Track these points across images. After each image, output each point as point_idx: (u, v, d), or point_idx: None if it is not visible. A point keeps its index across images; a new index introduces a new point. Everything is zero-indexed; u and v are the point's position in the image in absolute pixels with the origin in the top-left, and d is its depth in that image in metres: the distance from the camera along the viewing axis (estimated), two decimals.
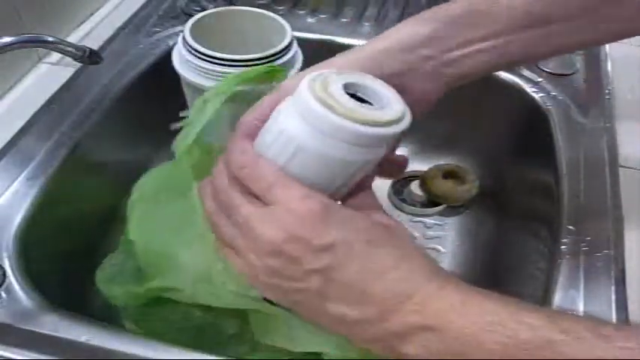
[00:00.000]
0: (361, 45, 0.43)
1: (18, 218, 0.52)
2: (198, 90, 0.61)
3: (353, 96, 0.36)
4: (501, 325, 0.31)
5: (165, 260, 0.47)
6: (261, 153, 0.37)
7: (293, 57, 0.61)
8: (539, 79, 0.71)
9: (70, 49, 0.50)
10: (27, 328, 0.44)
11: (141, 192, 0.50)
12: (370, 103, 0.37)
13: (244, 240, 0.36)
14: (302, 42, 0.63)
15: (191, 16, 0.63)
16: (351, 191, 0.39)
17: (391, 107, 0.36)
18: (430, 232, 0.74)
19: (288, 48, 0.60)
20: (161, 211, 0.49)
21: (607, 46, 0.76)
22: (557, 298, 0.47)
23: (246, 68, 0.49)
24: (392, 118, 0.35)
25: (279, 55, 0.59)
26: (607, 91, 0.69)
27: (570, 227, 0.53)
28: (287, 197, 0.35)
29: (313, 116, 0.35)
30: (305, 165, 0.36)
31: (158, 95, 0.70)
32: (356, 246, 0.34)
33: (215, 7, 0.68)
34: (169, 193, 0.49)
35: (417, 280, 0.34)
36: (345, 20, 0.82)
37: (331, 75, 0.36)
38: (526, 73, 0.72)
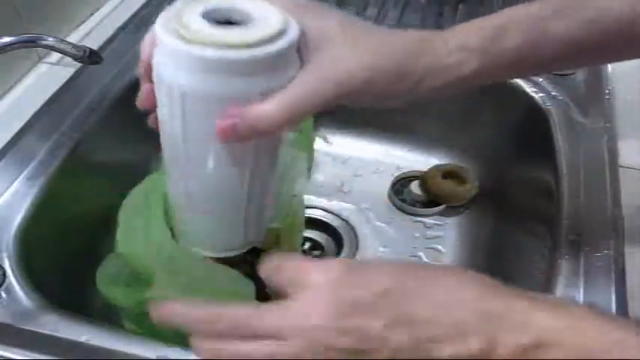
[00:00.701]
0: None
1: (18, 218, 0.52)
2: None
3: (220, 23, 0.32)
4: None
5: (153, 272, 0.47)
6: (162, 119, 0.35)
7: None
8: (539, 79, 0.71)
9: (70, 49, 0.50)
10: (27, 328, 0.44)
11: (126, 203, 0.50)
12: (243, 25, 0.33)
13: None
14: None
15: None
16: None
17: (264, 24, 0.32)
18: (430, 232, 0.74)
19: None
20: (145, 223, 0.49)
21: None
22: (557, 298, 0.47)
23: None
24: (263, 36, 0.31)
25: None
26: (607, 91, 0.69)
27: (570, 227, 0.53)
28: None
29: (169, 52, 0.31)
30: (201, 113, 0.33)
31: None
32: (409, 283, 0.32)
33: None
34: (154, 203, 0.49)
35: (494, 297, 0.32)
36: None
37: (188, 5, 0.33)
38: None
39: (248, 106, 0.32)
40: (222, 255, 0.45)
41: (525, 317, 0.30)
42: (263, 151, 0.37)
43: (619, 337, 0.30)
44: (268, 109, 0.32)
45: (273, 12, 0.33)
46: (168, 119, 0.35)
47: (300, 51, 0.34)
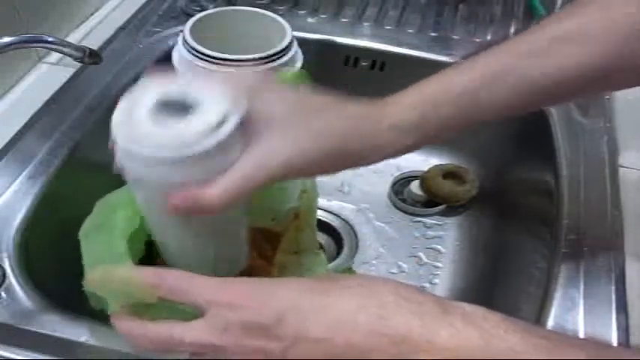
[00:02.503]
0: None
1: (18, 218, 0.52)
2: None
3: (172, 107, 0.35)
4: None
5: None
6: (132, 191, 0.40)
7: (293, 57, 0.61)
8: None
9: (70, 49, 0.51)
10: (27, 328, 0.44)
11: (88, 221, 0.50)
12: (190, 110, 0.36)
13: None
14: (302, 42, 0.63)
15: (191, 16, 0.63)
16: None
17: (207, 114, 0.35)
18: (430, 232, 0.74)
19: (288, 48, 0.60)
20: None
21: None
22: (557, 298, 0.47)
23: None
24: (202, 129, 0.34)
25: (279, 55, 0.59)
26: None
27: (570, 227, 0.53)
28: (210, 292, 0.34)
29: (120, 146, 0.36)
30: (153, 194, 0.37)
31: None
32: (305, 305, 0.33)
33: (215, 7, 0.68)
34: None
35: (394, 316, 0.32)
36: (345, 20, 0.82)
37: (145, 93, 0.36)
38: None
39: (192, 191, 0.35)
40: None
41: (427, 337, 0.31)
42: (218, 219, 0.40)
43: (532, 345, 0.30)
44: (210, 193, 0.35)
45: (220, 99, 0.36)
46: (134, 193, 0.40)
47: (246, 132, 0.36)
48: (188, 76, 0.38)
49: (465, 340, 0.30)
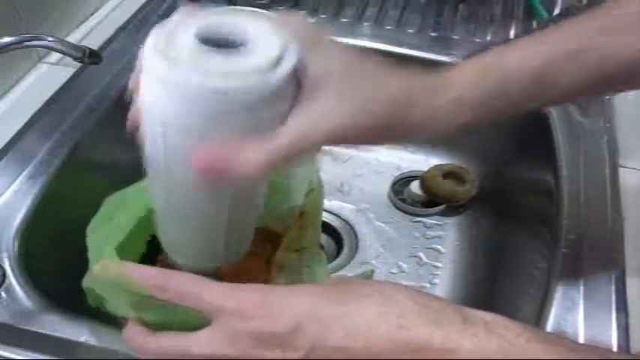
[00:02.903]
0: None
1: (18, 218, 0.52)
2: None
3: (215, 43, 0.30)
4: None
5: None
6: (145, 139, 0.34)
7: None
8: None
9: (70, 49, 0.50)
10: (27, 328, 0.44)
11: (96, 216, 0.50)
12: (238, 47, 0.30)
13: None
14: None
15: None
16: None
17: (261, 50, 0.30)
18: (430, 232, 0.74)
19: None
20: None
21: None
22: (557, 298, 0.47)
23: None
24: (255, 64, 0.29)
25: None
26: None
27: (570, 227, 0.53)
28: (222, 300, 0.32)
29: (153, 73, 0.29)
30: (181, 145, 0.31)
31: None
32: (323, 312, 0.31)
33: (215, 7, 0.68)
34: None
35: (415, 326, 0.31)
36: (345, 20, 0.82)
37: (182, 23, 0.31)
38: None
39: (229, 152, 0.31)
40: (197, 267, 0.44)
41: (448, 347, 0.30)
42: (244, 187, 0.37)
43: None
44: (251, 158, 0.31)
45: (275, 36, 0.31)
46: (151, 143, 0.34)
47: (296, 84, 0.33)
48: (232, 13, 0.31)
49: (486, 350, 0.30)
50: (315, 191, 0.53)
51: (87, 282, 0.41)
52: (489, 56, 0.38)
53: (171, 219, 0.42)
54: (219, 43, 0.31)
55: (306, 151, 0.33)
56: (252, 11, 0.32)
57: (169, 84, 0.29)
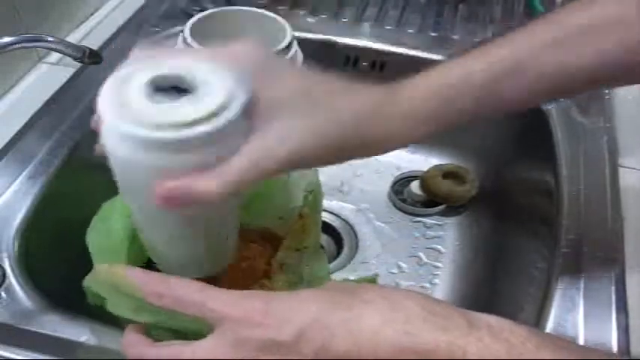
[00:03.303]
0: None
1: (18, 218, 0.52)
2: None
3: (165, 90, 0.32)
4: None
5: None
6: (115, 177, 0.36)
7: (293, 57, 0.61)
8: None
9: (70, 49, 0.50)
10: (27, 328, 0.44)
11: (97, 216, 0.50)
12: (187, 94, 0.32)
13: None
14: (302, 42, 0.63)
15: (191, 16, 0.63)
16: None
17: (208, 96, 0.31)
18: (430, 232, 0.74)
19: (288, 48, 0.60)
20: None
21: None
22: (557, 298, 0.47)
23: None
24: (201, 113, 0.30)
25: (279, 55, 0.59)
26: (607, 91, 0.69)
27: (570, 227, 0.53)
28: (227, 309, 0.32)
29: (108, 126, 0.32)
30: (143, 182, 0.33)
31: None
32: (327, 319, 0.31)
33: (215, 7, 0.68)
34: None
35: (421, 332, 0.31)
36: (345, 20, 0.82)
37: (135, 70, 0.33)
38: None
39: (188, 180, 0.32)
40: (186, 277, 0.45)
41: (455, 353, 0.30)
42: (212, 209, 0.37)
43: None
44: (208, 184, 0.32)
45: (222, 80, 0.32)
46: (118, 179, 0.36)
47: (251, 118, 0.34)
48: (184, 52, 0.34)
49: (493, 356, 0.30)
50: (315, 192, 0.53)
51: (87, 282, 0.41)
52: (437, 72, 0.39)
53: (150, 236, 0.43)
54: (169, 89, 0.33)
55: (259, 177, 0.34)
56: (201, 50, 0.35)
57: (121, 134, 0.31)
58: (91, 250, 0.46)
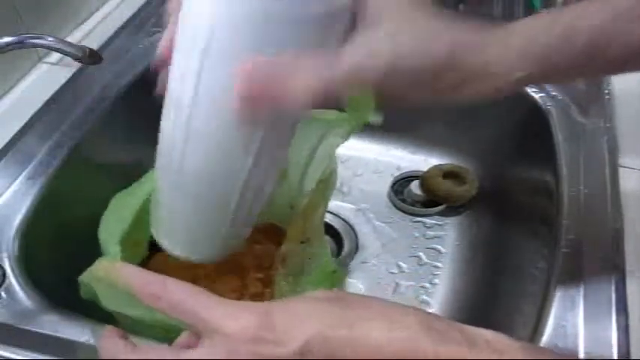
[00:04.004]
0: None
1: (18, 218, 0.52)
2: None
3: None
4: None
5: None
6: (173, 78, 0.32)
7: None
8: None
9: (70, 49, 0.50)
10: (27, 328, 0.44)
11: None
12: None
13: None
14: None
15: None
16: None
17: None
18: (430, 232, 0.74)
19: None
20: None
21: None
22: (557, 298, 0.47)
23: None
24: None
25: None
26: (607, 91, 0.69)
27: (570, 227, 0.53)
28: (221, 320, 0.31)
29: None
30: (223, 61, 0.28)
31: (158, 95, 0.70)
32: (331, 335, 0.30)
33: None
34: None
35: (425, 345, 0.30)
36: None
37: None
38: None
39: (275, 75, 0.28)
40: (195, 258, 0.43)
41: None
42: (277, 130, 0.34)
43: None
44: (303, 80, 0.28)
45: None
46: (182, 74, 0.32)
47: (351, 18, 0.31)
48: None
49: None
50: (325, 181, 0.52)
51: (85, 278, 0.41)
52: (548, 14, 0.36)
53: (179, 185, 0.39)
54: None
55: (359, 81, 0.30)
56: None
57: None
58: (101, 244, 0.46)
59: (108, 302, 0.39)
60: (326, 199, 0.54)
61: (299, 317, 0.31)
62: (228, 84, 0.29)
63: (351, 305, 0.33)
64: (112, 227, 0.47)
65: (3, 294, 0.46)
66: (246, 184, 0.37)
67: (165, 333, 0.37)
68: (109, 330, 0.35)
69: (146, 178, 0.51)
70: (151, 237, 0.49)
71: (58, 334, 0.44)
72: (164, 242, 0.44)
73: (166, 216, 0.43)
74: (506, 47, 0.35)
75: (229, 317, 0.31)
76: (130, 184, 0.52)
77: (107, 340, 0.34)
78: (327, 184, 0.53)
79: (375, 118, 0.45)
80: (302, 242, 0.53)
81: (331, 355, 0.30)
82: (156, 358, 0.32)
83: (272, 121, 0.33)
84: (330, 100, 0.30)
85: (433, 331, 0.31)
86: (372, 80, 0.31)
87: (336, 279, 0.50)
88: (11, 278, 0.47)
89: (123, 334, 0.35)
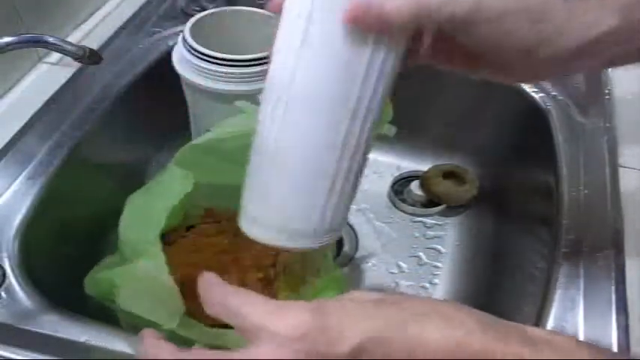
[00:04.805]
0: None
1: (18, 218, 0.52)
2: (198, 90, 0.61)
3: None
4: None
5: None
6: (285, 26, 0.35)
7: None
8: None
9: (70, 49, 0.50)
10: (27, 328, 0.44)
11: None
12: None
13: None
14: None
15: (191, 16, 0.63)
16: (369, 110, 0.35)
17: None
18: (430, 232, 0.74)
19: None
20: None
21: None
22: (557, 298, 0.47)
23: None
24: None
25: None
26: (607, 91, 0.69)
27: (570, 227, 0.53)
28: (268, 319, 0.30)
29: None
30: (318, 53, 0.33)
31: (158, 95, 0.70)
32: (386, 333, 0.30)
33: (215, 7, 0.68)
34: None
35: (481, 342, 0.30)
36: None
37: None
38: None
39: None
40: (295, 245, 0.40)
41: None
42: (373, 80, 0.36)
43: None
44: (397, 4, 0.32)
45: None
46: (296, 14, 0.35)
47: None
48: None
49: None
50: None
51: (114, 276, 0.40)
52: None
53: (274, 172, 0.38)
54: None
55: (448, 14, 0.32)
56: None
57: None
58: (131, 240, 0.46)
59: (128, 304, 0.39)
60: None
61: (352, 317, 0.31)
62: (335, 28, 0.33)
63: (401, 304, 0.32)
64: (141, 228, 0.46)
65: (3, 294, 0.46)
66: (345, 142, 0.37)
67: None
68: (147, 332, 0.35)
69: (163, 181, 0.50)
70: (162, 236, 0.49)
71: (58, 334, 0.44)
72: (255, 230, 0.40)
73: (261, 200, 0.40)
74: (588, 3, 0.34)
75: (278, 316, 0.30)
76: (130, 184, 0.52)
77: (149, 343, 0.34)
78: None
79: (389, 131, 0.45)
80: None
81: (387, 356, 0.30)
82: (203, 359, 0.32)
83: (371, 64, 0.35)
84: (423, 29, 0.33)
85: (490, 329, 0.30)
86: (457, 14, 0.33)
87: (342, 285, 0.50)
88: (11, 278, 0.47)
89: (162, 336, 0.34)
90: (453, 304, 0.32)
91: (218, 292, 0.33)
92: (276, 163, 0.38)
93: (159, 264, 0.41)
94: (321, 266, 0.52)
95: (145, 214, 0.47)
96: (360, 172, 0.41)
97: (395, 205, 0.77)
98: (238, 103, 0.49)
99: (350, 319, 0.31)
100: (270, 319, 0.30)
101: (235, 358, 0.31)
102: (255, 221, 0.40)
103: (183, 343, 0.38)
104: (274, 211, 0.39)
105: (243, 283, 0.54)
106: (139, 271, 0.39)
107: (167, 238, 0.60)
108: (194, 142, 0.50)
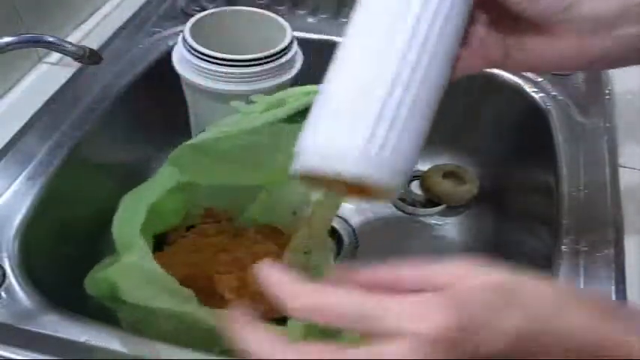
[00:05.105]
0: None
1: (18, 218, 0.52)
2: (198, 90, 0.61)
3: None
4: None
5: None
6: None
7: (293, 57, 0.61)
8: (539, 79, 0.71)
9: (70, 49, 0.50)
10: (27, 328, 0.44)
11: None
12: None
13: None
14: (302, 42, 0.63)
15: (191, 16, 0.63)
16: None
17: None
18: (430, 232, 0.74)
19: (288, 48, 0.60)
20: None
21: None
22: None
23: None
24: None
25: (279, 55, 0.59)
26: (607, 91, 0.69)
27: (570, 227, 0.53)
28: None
29: None
30: None
31: (158, 95, 0.70)
32: (533, 325, 0.28)
33: (215, 7, 0.68)
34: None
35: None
36: (345, 20, 0.82)
37: None
38: (526, 73, 0.72)
39: None
40: (388, 186, 0.35)
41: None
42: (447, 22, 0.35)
43: None
44: None
45: None
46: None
47: None
48: None
49: None
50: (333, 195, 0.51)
51: (111, 273, 0.41)
52: None
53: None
54: None
55: None
56: None
57: None
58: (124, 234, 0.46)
59: (133, 296, 0.39)
60: (332, 212, 0.53)
61: (496, 311, 0.28)
62: None
63: (537, 293, 0.30)
64: (126, 224, 0.47)
65: (3, 294, 0.46)
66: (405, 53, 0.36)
67: (185, 328, 0.36)
68: (237, 317, 0.29)
69: (153, 180, 0.51)
70: (154, 236, 0.49)
71: (58, 334, 0.44)
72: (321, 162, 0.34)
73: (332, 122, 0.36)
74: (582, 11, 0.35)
75: (414, 318, 0.28)
76: (130, 184, 0.52)
77: (250, 336, 0.28)
78: (335, 198, 0.52)
79: None
80: (305, 253, 0.52)
81: (538, 348, 0.28)
82: (321, 358, 0.27)
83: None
84: None
85: (614, 311, 0.29)
86: None
87: None
88: (11, 278, 0.47)
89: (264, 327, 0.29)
90: (582, 290, 0.32)
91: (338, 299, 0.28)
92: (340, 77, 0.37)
93: (141, 254, 0.41)
94: (321, 266, 0.52)
95: (131, 211, 0.48)
96: (429, 99, 0.38)
97: (395, 205, 0.77)
98: (233, 104, 0.49)
99: (493, 312, 0.28)
100: (407, 322, 0.28)
101: (364, 358, 0.27)
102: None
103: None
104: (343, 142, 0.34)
105: (243, 283, 0.54)
106: (128, 265, 0.39)
107: (167, 238, 0.60)
108: (189, 141, 0.50)
